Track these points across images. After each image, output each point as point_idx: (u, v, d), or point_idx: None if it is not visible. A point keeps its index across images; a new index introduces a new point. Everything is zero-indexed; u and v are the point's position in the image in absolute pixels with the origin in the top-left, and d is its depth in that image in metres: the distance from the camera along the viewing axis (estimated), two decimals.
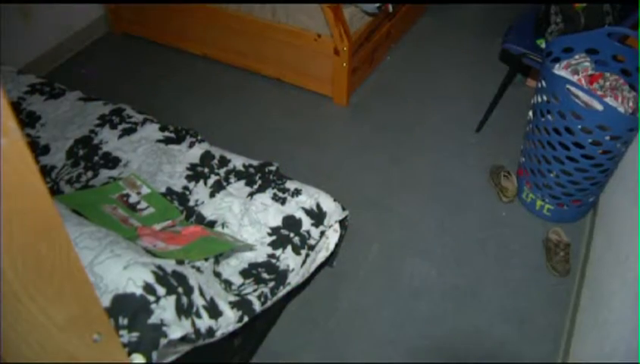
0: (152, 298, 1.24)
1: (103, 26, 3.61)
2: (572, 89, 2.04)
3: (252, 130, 2.89)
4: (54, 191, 2.01)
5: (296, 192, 1.90)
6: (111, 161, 2.11)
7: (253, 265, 1.71)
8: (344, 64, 2.83)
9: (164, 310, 1.25)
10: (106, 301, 1.21)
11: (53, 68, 3.33)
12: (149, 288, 1.25)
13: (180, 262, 1.43)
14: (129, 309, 1.21)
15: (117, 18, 3.53)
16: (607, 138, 2.04)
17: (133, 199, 1.93)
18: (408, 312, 2.13)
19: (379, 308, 2.14)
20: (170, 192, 1.97)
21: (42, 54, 3.28)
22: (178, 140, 2.18)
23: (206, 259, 1.68)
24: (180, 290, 1.32)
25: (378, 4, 2.74)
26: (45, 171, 2.09)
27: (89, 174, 2.07)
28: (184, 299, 1.32)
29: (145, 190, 1.96)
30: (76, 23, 3.44)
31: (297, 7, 2.86)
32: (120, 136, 2.20)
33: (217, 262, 1.71)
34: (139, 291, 1.23)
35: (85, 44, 3.52)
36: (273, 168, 2.02)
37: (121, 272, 1.25)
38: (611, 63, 2.22)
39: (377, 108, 3.02)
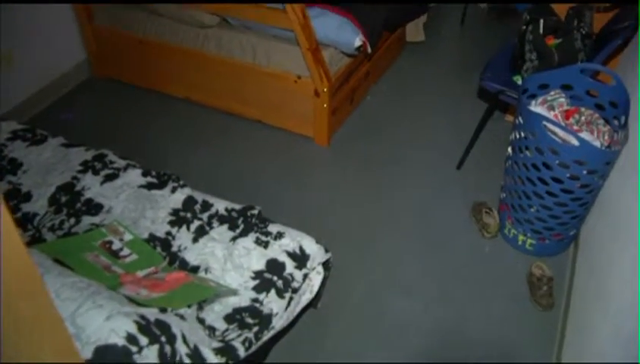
0: (134, 348, 1.23)
1: (85, 71, 3.62)
2: (549, 125, 2.08)
3: (234, 173, 2.89)
4: (36, 239, 2.00)
5: (279, 236, 1.91)
6: (94, 208, 2.11)
7: (237, 310, 1.71)
8: (324, 105, 2.87)
9: (147, 360, 1.25)
10: (88, 353, 1.20)
11: (35, 113, 3.33)
12: (131, 338, 1.24)
13: (164, 310, 1.43)
14: (111, 361, 1.20)
15: (99, 62, 3.56)
16: (585, 172, 2.08)
17: (116, 245, 1.92)
18: (394, 349, 2.13)
19: (365, 347, 2.13)
20: (153, 238, 1.97)
21: (24, 100, 3.28)
22: (161, 185, 2.19)
23: (189, 306, 1.68)
24: (162, 338, 1.31)
25: (356, 45, 2.78)
26: (27, 219, 2.08)
27: (72, 220, 2.06)
28: (167, 348, 1.31)
29: (128, 237, 1.96)
30: (58, 68, 3.46)
31: (277, 49, 2.91)
32: (102, 182, 2.20)
33: (200, 307, 1.70)
34: (121, 342, 1.23)
35: (67, 88, 3.53)
36: (255, 212, 2.03)
37: (103, 323, 1.24)
38: (585, 98, 2.26)
39: (358, 147, 3.05)
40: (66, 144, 2.42)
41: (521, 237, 2.44)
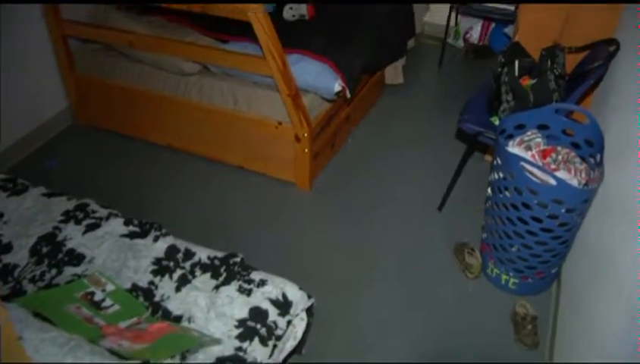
0: None
1: (68, 118, 3.63)
2: (526, 166, 2.11)
3: (216, 219, 2.89)
4: (17, 290, 1.98)
5: (262, 283, 1.91)
6: (76, 258, 2.09)
7: (221, 360, 1.69)
8: (305, 150, 2.89)
9: None
10: None
11: (17, 162, 3.32)
12: None
13: (146, 362, 1.41)
14: None
15: (81, 110, 3.57)
16: (563, 211, 2.11)
17: (98, 296, 1.91)
18: None
19: None
20: (135, 288, 1.96)
21: (6, 148, 3.28)
22: (143, 234, 2.18)
23: (173, 356, 1.66)
24: None
25: (336, 91, 2.82)
26: (8, 270, 2.06)
27: (53, 271, 2.04)
28: None
29: (110, 287, 1.95)
30: (40, 116, 3.47)
31: (258, 96, 2.94)
32: (84, 232, 2.19)
33: (184, 357, 1.69)
34: None
35: (50, 136, 3.53)
36: (238, 260, 2.03)
37: None
38: (561, 137, 2.31)
39: (340, 191, 3.07)
40: (47, 194, 2.42)
41: (504, 277, 2.45)
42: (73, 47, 3.39)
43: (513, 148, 2.23)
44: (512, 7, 3.82)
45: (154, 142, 3.41)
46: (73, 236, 2.17)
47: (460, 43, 4.54)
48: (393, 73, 3.86)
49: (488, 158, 3.20)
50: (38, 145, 3.46)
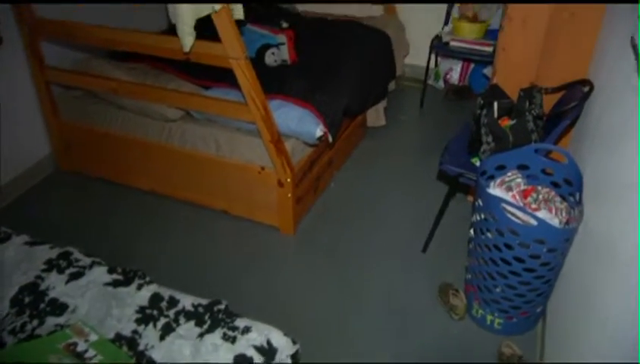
0: None
1: (51, 165, 3.63)
2: (508, 207, 2.13)
3: (201, 265, 2.88)
4: None
5: (246, 330, 1.90)
6: (58, 308, 2.07)
7: None
8: (288, 195, 2.91)
9: None
10: None
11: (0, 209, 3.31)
12: None
13: None
14: None
15: (65, 156, 3.57)
16: (545, 250, 2.13)
17: (81, 347, 1.89)
18: None
19: None
20: (119, 338, 1.94)
21: None
22: (127, 282, 2.17)
23: None
24: None
25: (317, 136, 2.85)
26: None
27: (35, 322, 2.02)
28: None
29: (93, 337, 1.93)
30: (23, 163, 3.46)
31: (240, 141, 2.96)
32: (67, 281, 2.17)
33: None
34: None
35: (32, 183, 3.52)
36: (222, 306, 2.02)
37: None
38: (541, 176, 2.35)
39: (324, 235, 3.07)
40: (30, 242, 2.40)
41: (489, 317, 2.45)
42: (57, 93, 3.41)
43: (494, 189, 2.25)
44: (490, 49, 3.89)
45: (137, 188, 3.41)
46: (56, 286, 2.15)
47: (441, 84, 4.62)
48: (375, 116, 3.91)
49: (471, 198, 3.23)
50: (20, 193, 3.45)
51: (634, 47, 1.78)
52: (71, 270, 2.23)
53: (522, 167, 2.35)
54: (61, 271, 2.22)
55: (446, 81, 4.59)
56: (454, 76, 4.55)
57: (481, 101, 2.65)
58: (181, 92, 3.01)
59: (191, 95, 2.99)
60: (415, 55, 4.58)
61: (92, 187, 3.50)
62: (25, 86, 3.36)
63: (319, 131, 2.86)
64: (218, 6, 2.36)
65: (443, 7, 4.33)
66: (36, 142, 3.55)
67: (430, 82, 4.59)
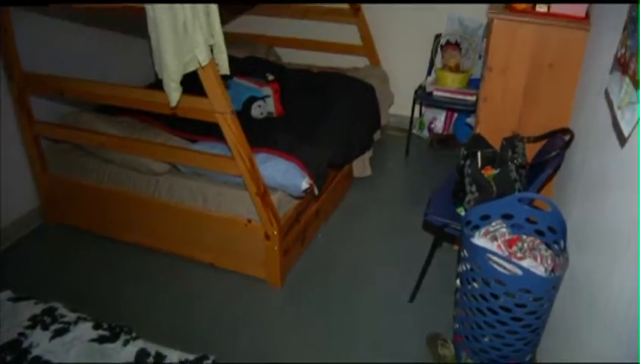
0: None
1: (38, 217, 3.61)
2: (493, 257, 2.15)
3: (187, 318, 2.86)
4: None
5: None
6: None
7: None
8: (275, 248, 2.91)
9: None
10: None
11: None
12: None
13: None
14: None
15: (52, 209, 3.56)
16: (531, 299, 2.13)
17: None
18: None
19: None
20: None
21: None
22: (113, 338, 2.16)
23: None
24: None
25: (303, 189, 2.87)
26: None
27: None
28: None
29: None
30: (10, 216, 3.44)
31: (227, 194, 2.98)
32: (51, 338, 2.16)
33: None
34: None
35: (18, 236, 3.50)
36: (209, 361, 2.01)
37: None
38: (526, 225, 2.36)
39: (311, 286, 3.06)
40: (14, 298, 2.39)
41: None
42: (45, 146, 3.43)
43: (479, 239, 2.27)
44: (473, 98, 3.96)
45: (124, 241, 3.40)
46: (40, 343, 2.14)
47: (425, 133, 4.67)
48: (361, 166, 3.94)
49: (457, 247, 3.25)
50: (6, 246, 3.42)
51: (609, 102, 1.83)
52: (56, 326, 2.22)
53: (506, 217, 2.37)
54: (45, 327, 2.21)
55: (430, 130, 4.64)
56: (438, 126, 4.61)
57: (465, 152, 2.69)
58: (168, 146, 3.04)
59: (178, 149, 3.02)
60: (400, 105, 4.65)
61: (78, 240, 3.48)
62: (13, 139, 3.37)
63: (305, 184, 2.88)
64: (204, 61, 2.40)
65: (427, 57, 4.42)
66: (23, 195, 3.54)
67: (415, 131, 4.65)
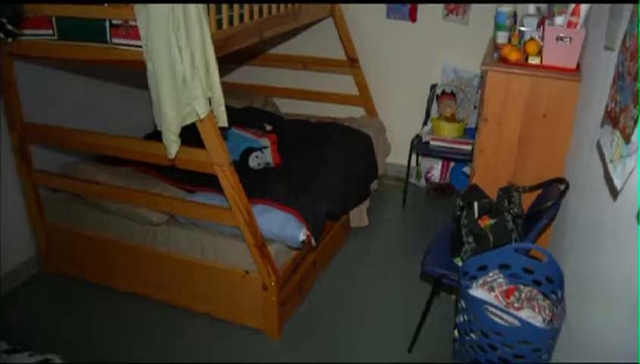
0: None
1: (35, 266, 3.60)
2: (490, 308, 2.14)
3: None
4: None
5: None
6: None
7: None
8: (273, 299, 2.90)
9: None
10: None
11: None
12: None
13: None
14: None
15: (49, 258, 3.55)
16: (530, 350, 2.13)
17: None
18: None
19: None
20: None
21: None
22: None
23: None
24: None
25: (301, 240, 2.88)
26: None
27: None
28: None
29: None
30: (6, 264, 3.42)
31: (225, 245, 2.98)
32: None
33: None
34: None
35: (14, 285, 3.48)
36: None
37: None
38: (523, 275, 2.36)
39: (309, 337, 3.04)
40: (8, 350, 2.35)
41: None
42: (43, 195, 3.44)
43: (476, 290, 2.27)
44: (469, 147, 4.00)
45: (121, 290, 3.38)
46: None
47: (422, 183, 4.70)
48: (358, 216, 3.95)
49: (455, 297, 3.24)
50: (3, 294, 3.40)
51: (601, 154, 1.85)
52: None
53: (503, 267, 2.37)
54: None
55: (427, 179, 4.67)
56: (435, 175, 4.64)
57: (461, 203, 2.71)
58: (166, 196, 3.06)
59: (176, 200, 3.03)
60: (397, 154, 4.68)
61: (75, 289, 3.46)
62: (12, 186, 3.39)
63: (302, 235, 2.89)
64: (202, 114, 2.44)
65: (423, 107, 4.47)
66: (21, 243, 3.53)
67: (412, 180, 4.67)
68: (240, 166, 3.28)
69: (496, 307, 2.14)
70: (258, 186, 3.13)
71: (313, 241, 2.99)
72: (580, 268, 2.14)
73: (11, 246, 3.46)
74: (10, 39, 2.67)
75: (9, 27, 2.63)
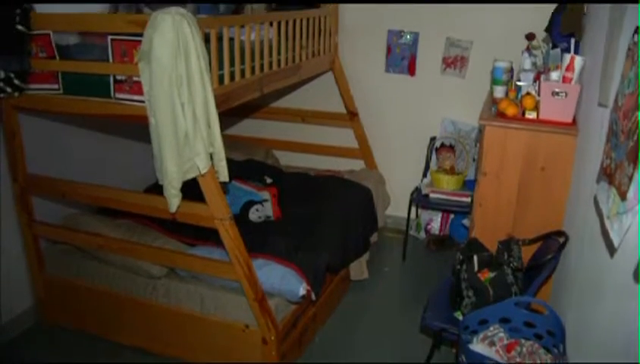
0: None
1: (31, 317, 3.57)
2: None
3: None
4: None
5: None
6: None
7: None
8: (273, 353, 2.88)
9: None
10: None
11: None
12: None
13: None
14: None
15: (47, 309, 3.53)
16: None
17: None
18: None
19: None
20: None
21: None
22: None
23: None
24: None
25: (301, 294, 2.88)
26: None
27: None
28: None
29: None
30: (4, 314, 3.40)
31: (225, 299, 2.98)
32: None
33: None
34: None
35: (11, 336, 3.44)
36: None
37: None
38: (524, 329, 2.35)
39: None
40: None
41: None
42: (43, 246, 3.45)
43: (477, 345, 2.26)
44: (468, 199, 4.01)
45: (120, 343, 3.35)
46: None
47: (422, 235, 4.70)
48: (358, 269, 3.94)
49: (456, 350, 3.21)
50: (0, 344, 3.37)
51: (598, 209, 1.87)
52: None
53: (504, 321, 2.37)
54: None
55: (427, 231, 4.68)
56: (435, 227, 4.65)
57: (460, 257, 2.71)
58: (166, 250, 3.07)
59: (176, 253, 3.04)
60: (397, 206, 4.69)
61: (72, 341, 3.42)
62: (12, 236, 3.39)
63: (302, 290, 2.89)
64: (204, 169, 2.46)
65: (422, 159, 4.51)
66: (19, 294, 3.52)
67: (412, 232, 4.67)
68: (241, 219, 3.30)
69: (497, 363, 2.12)
70: (259, 239, 3.14)
71: (313, 295, 2.98)
72: (581, 321, 2.13)
73: (9, 297, 3.44)
74: (17, 93, 2.73)
75: (16, 82, 2.69)
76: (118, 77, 2.57)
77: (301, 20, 3.71)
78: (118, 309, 3.30)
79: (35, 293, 3.55)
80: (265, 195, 3.66)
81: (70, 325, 3.52)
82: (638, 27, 1.56)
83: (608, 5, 2.16)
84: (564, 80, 2.72)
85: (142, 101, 2.48)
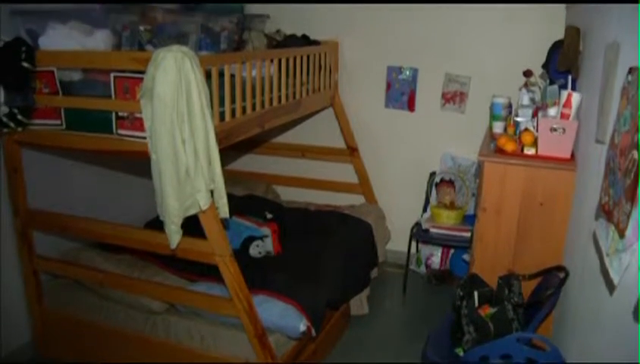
0: None
1: (28, 352, 3.54)
2: None
3: None
4: None
5: None
6: None
7: None
8: None
9: None
10: None
11: None
12: None
13: None
14: None
15: (44, 343, 3.50)
16: None
17: None
18: None
19: None
20: None
21: None
22: None
23: None
24: None
25: (301, 331, 2.87)
26: None
27: None
28: None
29: None
30: (1, 348, 3.38)
31: (225, 335, 2.96)
32: None
33: None
34: None
35: None
36: None
37: None
38: None
39: None
40: None
41: None
42: (43, 280, 3.43)
43: None
44: (468, 234, 4.01)
45: None
46: None
47: (423, 269, 4.69)
48: (359, 304, 3.93)
49: None
50: None
51: (597, 246, 1.88)
52: None
53: (505, 357, 2.35)
54: None
55: (427, 266, 4.67)
56: (435, 261, 4.64)
57: (461, 292, 2.71)
58: (166, 285, 3.06)
59: (176, 289, 3.04)
60: (397, 241, 4.69)
61: None
62: (11, 271, 3.38)
63: (303, 326, 2.89)
64: (204, 206, 2.48)
65: (422, 194, 4.52)
66: (16, 328, 3.49)
67: (412, 267, 4.66)
68: (241, 254, 3.30)
69: None
70: (259, 275, 3.14)
71: (313, 332, 2.97)
72: (582, 358, 2.12)
73: (6, 331, 3.42)
74: (20, 129, 2.76)
75: (19, 117, 2.72)
76: (120, 114, 2.60)
77: (302, 57, 3.76)
78: (117, 345, 3.27)
79: (33, 327, 3.53)
80: (266, 230, 3.67)
81: (69, 359, 3.49)
82: (631, 68, 1.59)
83: (603, 44, 2.19)
84: (562, 116, 2.75)
85: (144, 138, 2.51)
